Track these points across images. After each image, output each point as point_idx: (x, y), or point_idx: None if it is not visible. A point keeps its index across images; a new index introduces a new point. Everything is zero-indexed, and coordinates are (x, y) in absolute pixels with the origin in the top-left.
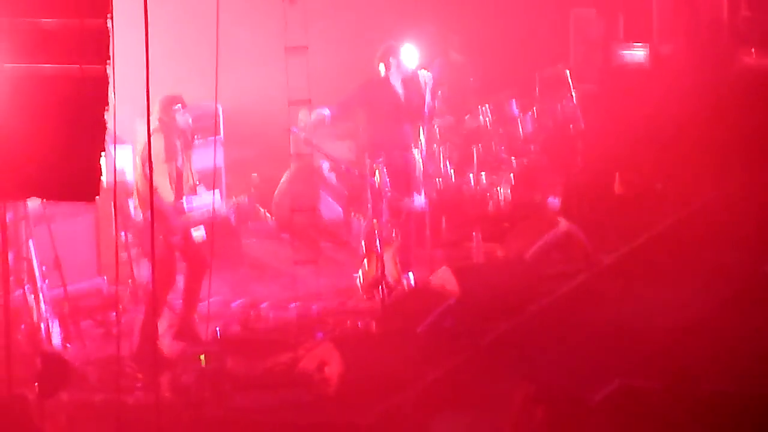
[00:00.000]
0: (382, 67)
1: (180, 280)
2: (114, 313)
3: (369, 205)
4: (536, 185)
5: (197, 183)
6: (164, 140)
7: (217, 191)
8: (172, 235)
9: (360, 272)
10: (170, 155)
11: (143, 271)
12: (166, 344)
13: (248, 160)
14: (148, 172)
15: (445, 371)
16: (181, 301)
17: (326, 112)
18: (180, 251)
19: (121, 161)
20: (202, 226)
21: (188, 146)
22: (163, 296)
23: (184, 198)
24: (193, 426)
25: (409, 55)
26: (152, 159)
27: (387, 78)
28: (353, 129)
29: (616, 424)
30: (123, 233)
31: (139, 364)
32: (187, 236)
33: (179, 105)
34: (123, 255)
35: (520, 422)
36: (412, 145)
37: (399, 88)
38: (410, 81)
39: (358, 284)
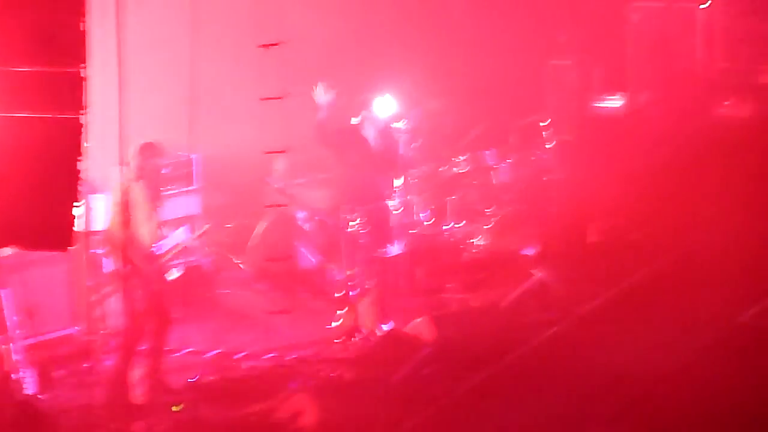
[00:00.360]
0: (354, 120)
1: None
2: (88, 363)
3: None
4: (511, 235)
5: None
6: (146, 188)
7: (183, 228)
8: (149, 285)
9: (335, 322)
10: (153, 203)
11: (118, 321)
12: (139, 394)
13: (223, 209)
14: (125, 219)
15: (420, 421)
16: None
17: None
18: (147, 304)
19: (95, 210)
20: (176, 270)
21: (159, 195)
22: (135, 346)
23: (155, 246)
24: None
25: (384, 106)
26: (133, 208)
27: (358, 128)
28: (328, 179)
29: None
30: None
31: (109, 413)
32: (159, 287)
33: (158, 152)
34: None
35: None
36: (387, 195)
37: (371, 139)
38: (385, 132)
39: (334, 333)
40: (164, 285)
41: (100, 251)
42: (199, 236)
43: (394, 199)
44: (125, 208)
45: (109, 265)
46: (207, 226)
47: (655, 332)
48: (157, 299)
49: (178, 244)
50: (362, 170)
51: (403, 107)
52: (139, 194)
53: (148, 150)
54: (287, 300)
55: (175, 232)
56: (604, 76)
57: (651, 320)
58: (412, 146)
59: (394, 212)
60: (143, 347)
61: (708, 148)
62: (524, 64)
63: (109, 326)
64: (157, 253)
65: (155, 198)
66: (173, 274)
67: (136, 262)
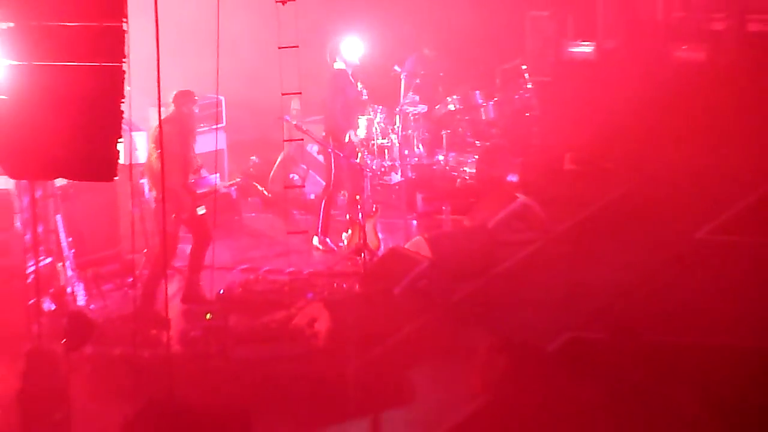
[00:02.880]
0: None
1: (185, 249)
2: (131, 278)
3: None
4: (498, 164)
5: (201, 165)
6: (179, 129)
7: (217, 175)
8: (182, 212)
9: (345, 240)
10: (184, 141)
11: (155, 241)
12: (175, 305)
13: (247, 144)
14: (160, 154)
15: (419, 326)
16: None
17: None
18: (187, 225)
19: (136, 145)
20: (203, 205)
21: (194, 134)
22: (169, 263)
23: (193, 179)
24: (200, 375)
25: (353, 48)
26: (167, 144)
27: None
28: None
29: (567, 370)
30: (138, 209)
31: (142, 322)
32: (194, 212)
33: (191, 98)
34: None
35: (485, 369)
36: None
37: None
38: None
39: (343, 250)
40: (195, 213)
41: (141, 181)
42: (229, 186)
43: (396, 133)
44: (162, 144)
45: (148, 193)
46: (238, 179)
47: (623, 248)
48: (196, 223)
49: (211, 187)
50: (355, 106)
51: (402, 53)
52: (175, 133)
53: (184, 96)
54: (303, 221)
55: (210, 177)
56: (576, 25)
57: (617, 238)
58: (411, 86)
59: (396, 144)
60: (178, 264)
61: (667, 86)
62: (508, 15)
63: (149, 246)
64: (193, 186)
65: (189, 135)
66: (202, 210)
67: (172, 192)
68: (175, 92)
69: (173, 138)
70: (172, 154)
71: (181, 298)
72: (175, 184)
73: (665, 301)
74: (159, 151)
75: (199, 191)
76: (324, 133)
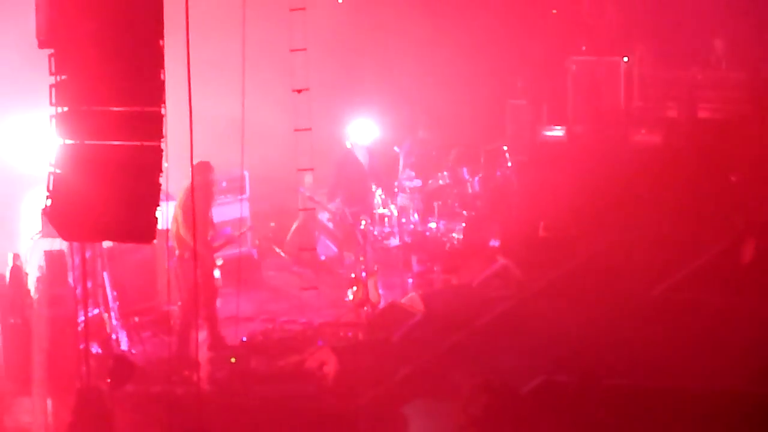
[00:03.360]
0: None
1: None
2: (166, 326)
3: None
4: (482, 231)
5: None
6: (200, 195)
7: (229, 228)
8: (204, 266)
9: (350, 295)
10: (204, 204)
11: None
12: (204, 351)
13: (267, 212)
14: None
15: (413, 370)
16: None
17: None
18: (202, 281)
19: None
20: (221, 259)
21: (213, 198)
22: (196, 312)
23: (210, 235)
24: (225, 410)
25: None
26: (192, 210)
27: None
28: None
29: (539, 408)
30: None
31: (176, 364)
32: (210, 266)
33: (208, 168)
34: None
35: (468, 406)
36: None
37: (362, 158)
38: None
39: (349, 304)
40: (213, 267)
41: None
42: (241, 234)
43: (395, 204)
44: (185, 210)
45: (176, 252)
46: (246, 228)
47: (589, 303)
48: (206, 278)
49: (227, 237)
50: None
51: (400, 135)
52: (198, 200)
53: (201, 167)
54: (315, 279)
55: (225, 229)
56: (550, 111)
57: (584, 293)
58: (408, 163)
59: (395, 213)
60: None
61: (627, 165)
62: (490, 103)
63: (182, 299)
64: (211, 244)
65: (209, 199)
66: (220, 261)
67: (196, 250)
68: (195, 162)
69: (198, 205)
70: (199, 218)
71: (207, 345)
72: (197, 241)
73: (625, 350)
74: (183, 215)
75: (215, 244)
76: (339, 204)
